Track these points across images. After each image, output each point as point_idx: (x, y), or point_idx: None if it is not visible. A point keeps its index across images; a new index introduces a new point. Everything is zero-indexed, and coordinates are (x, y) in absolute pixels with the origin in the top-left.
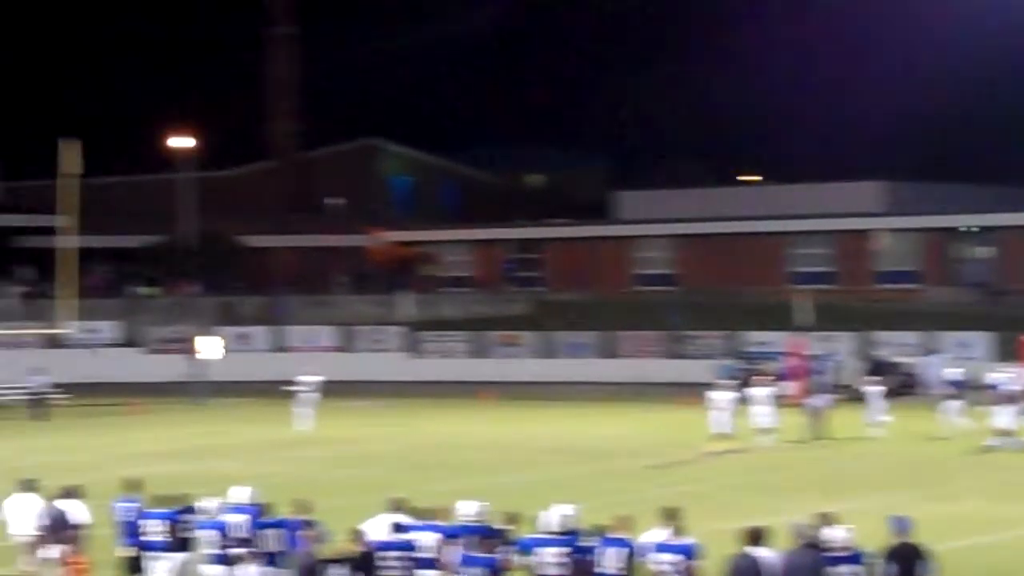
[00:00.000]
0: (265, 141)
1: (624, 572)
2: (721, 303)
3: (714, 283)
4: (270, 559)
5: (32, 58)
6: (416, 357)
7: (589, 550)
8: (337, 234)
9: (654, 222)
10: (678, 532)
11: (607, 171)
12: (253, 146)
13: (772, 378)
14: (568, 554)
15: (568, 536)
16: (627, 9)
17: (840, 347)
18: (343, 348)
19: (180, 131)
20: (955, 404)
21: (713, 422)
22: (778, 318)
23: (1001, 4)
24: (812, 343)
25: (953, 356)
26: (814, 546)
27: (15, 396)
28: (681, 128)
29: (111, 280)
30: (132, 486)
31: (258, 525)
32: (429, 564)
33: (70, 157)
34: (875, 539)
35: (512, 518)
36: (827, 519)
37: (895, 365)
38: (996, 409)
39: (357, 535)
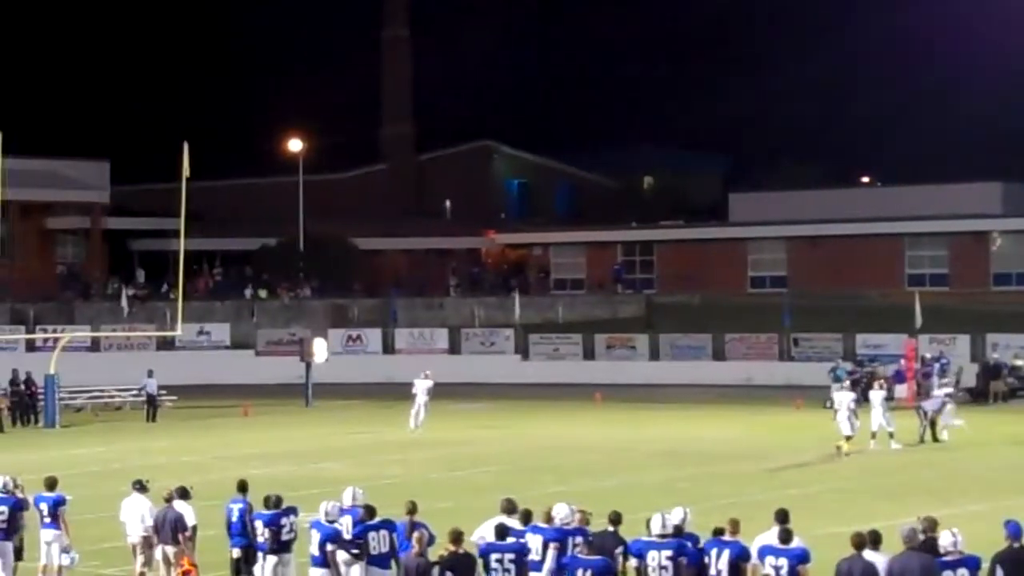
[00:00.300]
0: (378, 144)
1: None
2: (834, 305)
3: (827, 285)
4: (376, 560)
5: (148, 62)
6: (527, 359)
7: (698, 553)
8: (450, 236)
9: (767, 224)
10: (788, 536)
11: (723, 173)
12: (367, 149)
13: (883, 381)
14: (677, 557)
15: (677, 539)
16: (743, 12)
17: (955, 350)
18: (454, 350)
19: (294, 134)
20: None
21: (840, 424)
22: (893, 320)
23: None
24: (926, 346)
25: None
26: (925, 550)
27: (128, 398)
28: (798, 131)
29: (223, 283)
30: (241, 487)
31: (364, 527)
32: (536, 567)
33: (183, 160)
34: (988, 543)
35: (615, 520)
36: (931, 523)
37: (1011, 368)
38: None
39: (456, 536)
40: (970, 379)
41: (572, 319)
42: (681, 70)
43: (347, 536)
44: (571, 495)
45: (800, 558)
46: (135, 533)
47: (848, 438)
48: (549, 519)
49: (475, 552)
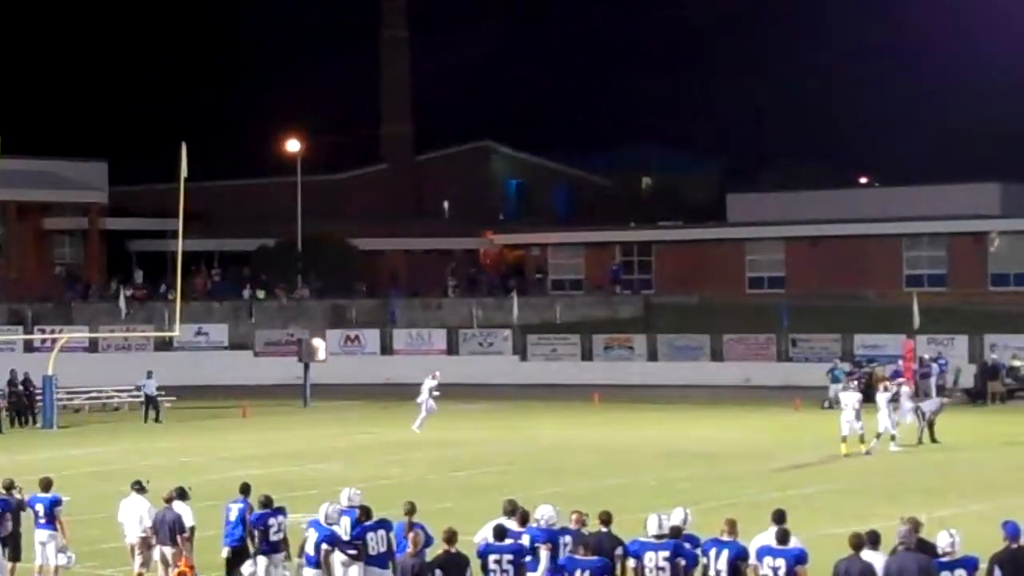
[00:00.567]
0: (377, 144)
1: None
2: (832, 306)
3: (825, 286)
4: (374, 561)
5: (146, 62)
6: (525, 360)
7: (694, 554)
8: (448, 237)
9: (765, 224)
10: (786, 536)
11: (721, 174)
12: (365, 149)
13: (888, 383)
14: (674, 558)
15: (674, 540)
16: (741, 12)
17: (953, 350)
18: (452, 351)
19: (292, 135)
20: None
21: (842, 424)
22: (891, 321)
23: None
24: (924, 346)
25: None
26: (923, 551)
27: (126, 399)
28: (796, 131)
29: (221, 283)
30: (243, 489)
31: (362, 528)
32: (534, 568)
33: (181, 161)
34: (986, 544)
35: (606, 520)
36: (915, 524)
37: (1009, 369)
38: None
39: (449, 536)
40: (968, 380)
41: (570, 320)
42: (679, 71)
43: (345, 537)
44: (569, 496)
45: (798, 558)
46: (133, 534)
47: (849, 438)
48: (524, 520)
49: (473, 552)
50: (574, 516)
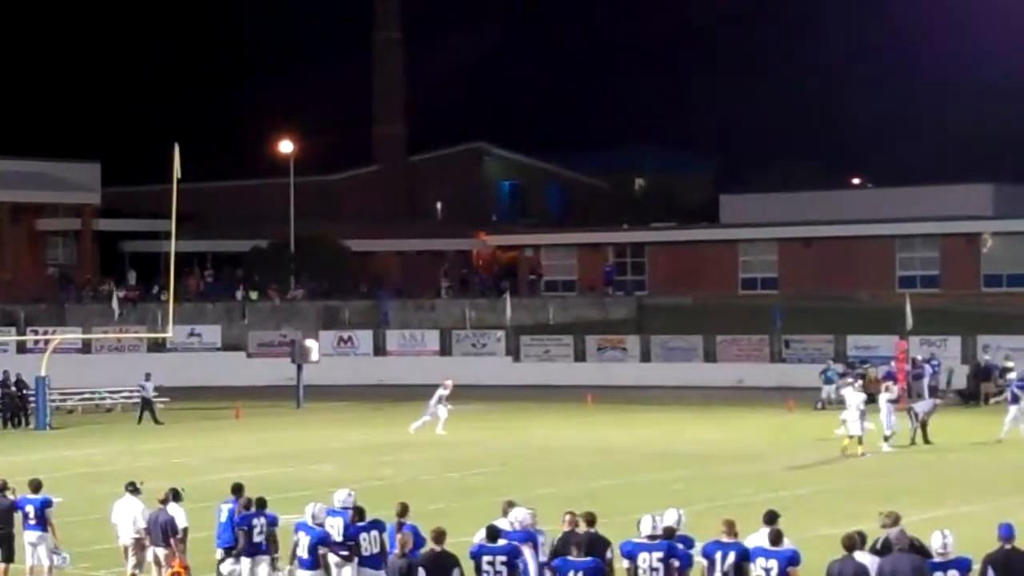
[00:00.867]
0: (370, 145)
1: None
2: (825, 307)
3: (818, 287)
4: (368, 562)
5: (140, 63)
6: (518, 361)
7: (688, 555)
8: (441, 238)
9: (758, 225)
10: (779, 537)
11: (714, 175)
12: (358, 150)
13: (889, 384)
14: (668, 559)
15: (667, 541)
16: (735, 13)
17: (946, 351)
18: (445, 352)
19: (285, 136)
20: None
21: (849, 424)
22: (884, 322)
23: None
24: (917, 347)
25: None
26: (916, 552)
27: (119, 400)
28: (788, 132)
29: (214, 284)
30: (235, 490)
31: (356, 528)
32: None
33: (174, 162)
34: (979, 545)
35: (591, 520)
36: (894, 518)
37: (1002, 370)
38: None
39: (437, 536)
40: (961, 381)
41: (563, 321)
42: (672, 71)
43: (338, 538)
44: (562, 497)
45: (790, 560)
46: (127, 535)
47: (853, 438)
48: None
49: (465, 553)
50: (567, 517)
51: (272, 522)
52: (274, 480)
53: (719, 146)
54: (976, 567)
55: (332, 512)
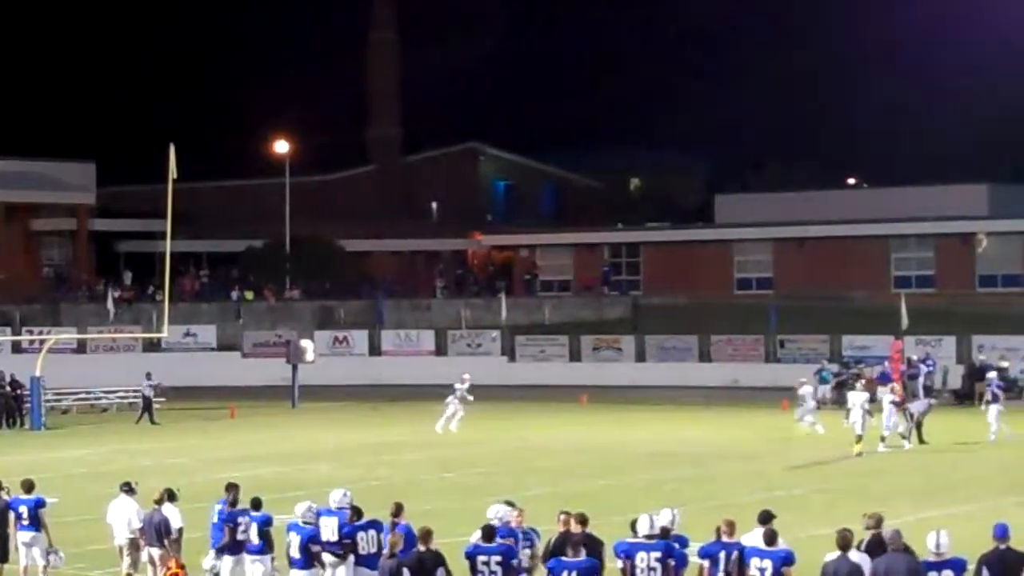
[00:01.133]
0: (365, 145)
1: None
2: (820, 307)
3: (813, 287)
4: (365, 561)
5: (135, 63)
6: (513, 361)
7: (684, 554)
8: (436, 238)
9: (753, 225)
10: (773, 537)
11: (709, 175)
12: (353, 150)
13: (893, 385)
14: (665, 559)
15: (664, 541)
16: (729, 13)
17: (941, 351)
18: (440, 352)
19: (281, 136)
20: None
21: (854, 424)
22: (879, 322)
23: None
24: (912, 347)
25: None
26: (910, 551)
27: (114, 400)
28: (784, 132)
29: (209, 284)
30: (227, 487)
31: (353, 528)
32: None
33: (169, 162)
34: (974, 544)
35: (583, 520)
36: (877, 519)
37: (997, 370)
38: None
39: (424, 535)
40: (956, 381)
41: (558, 321)
42: (667, 71)
43: (333, 537)
44: (558, 496)
45: (785, 560)
46: (121, 535)
47: (859, 438)
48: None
49: (460, 553)
50: (562, 517)
51: (266, 522)
52: (269, 480)
53: (714, 146)
54: (971, 567)
55: (327, 512)
